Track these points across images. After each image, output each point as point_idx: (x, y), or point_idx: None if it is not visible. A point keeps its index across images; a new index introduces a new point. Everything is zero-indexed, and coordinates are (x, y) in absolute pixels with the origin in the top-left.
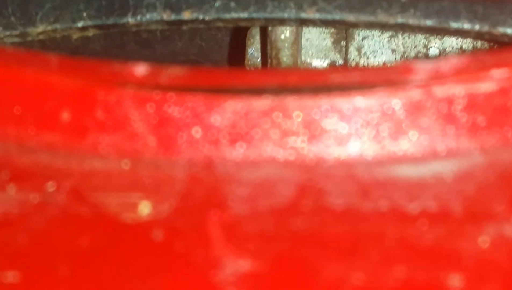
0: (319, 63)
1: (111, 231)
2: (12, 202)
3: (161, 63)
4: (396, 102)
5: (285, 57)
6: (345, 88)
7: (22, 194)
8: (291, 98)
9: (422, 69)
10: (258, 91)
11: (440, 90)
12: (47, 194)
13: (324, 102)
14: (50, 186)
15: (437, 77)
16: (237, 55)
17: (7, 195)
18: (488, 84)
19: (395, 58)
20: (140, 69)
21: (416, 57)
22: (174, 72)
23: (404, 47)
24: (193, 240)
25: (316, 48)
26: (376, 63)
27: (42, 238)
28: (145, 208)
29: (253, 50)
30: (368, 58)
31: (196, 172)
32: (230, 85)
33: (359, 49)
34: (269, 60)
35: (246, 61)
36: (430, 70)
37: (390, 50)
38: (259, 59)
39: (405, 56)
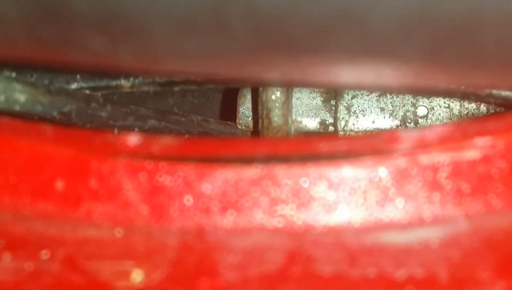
0: (310, 122)
1: None
2: (7, 270)
3: (154, 120)
4: (382, 170)
5: (276, 117)
6: (333, 157)
7: (17, 262)
8: (280, 167)
9: (408, 137)
10: (247, 160)
11: (426, 158)
12: (41, 262)
13: (312, 170)
14: (44, 254)
15: (422, 146)
16: (228, 112)
17: (2, 263)
18: (472, 152)
19: (384, 117)
20: (133, 139)
21: (404, 115)
22: (166, 142)
23: (392, 106)
24: None
25: (306, 107)
26: (365, 122)
27: None
28: (137, 276)
29: (244, 109)
30: (357, 116)
31: (188, 239)
32: (220, 155)
33: (348, 108)
34: (260, 120)
35: (237, 120)
36: (416, 138)
37: (379, 109)
38: (250, 118)
39: (394, 115)
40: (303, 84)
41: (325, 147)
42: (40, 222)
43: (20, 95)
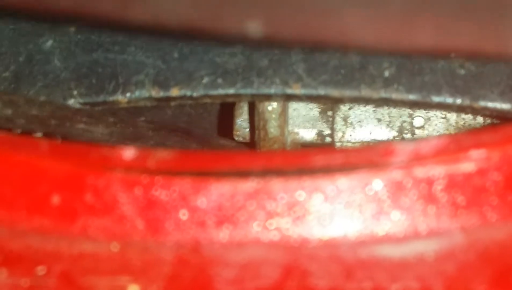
0: (307, 133)
1: None
2: (3, 287)
3: (152, 130)
4: (378, 183)
5: (273, 128)
6: (328, 170)
7: (13, 278)
8: (275, 180)
9: (403, 150)
10: (243, 174)
11: (421, 171)
12: (37, 278)
13: (308, 184)
14: (41, 270)
15: (418, 158)
16: (226, 123)
17: None
18: (467, 164)
19: (381, 128)
20: (128, 153)
21: (401, 126)
22: (161, 156)
23: (389, 116)
24: None
25: (303, 118)
26: (362, 133)
27: None
28: None
29: (242, 121)
30: (354, 127)
31: (184, 254)
32: (215, 168)
33: (345, 119)
34: (256, 131)
35: (234, 131)
36: (411, 151)
37: (376, 120)
38: (247, 130)
39: (391, 126)
40: (288, 38)
41: (321, 160)
42: (36, 237)
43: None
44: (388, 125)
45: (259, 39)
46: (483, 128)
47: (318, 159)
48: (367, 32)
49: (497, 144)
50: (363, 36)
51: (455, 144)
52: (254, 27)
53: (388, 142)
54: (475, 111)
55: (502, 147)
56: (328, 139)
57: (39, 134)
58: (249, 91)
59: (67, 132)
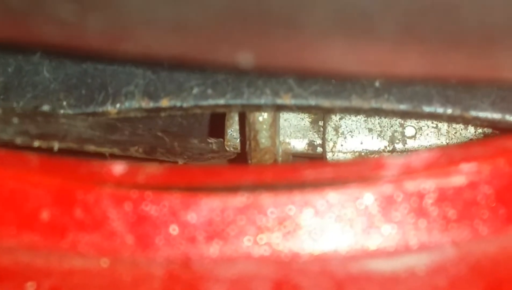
0: (298, 143)
1: None
2: None
3: (142, 140)
4: (368, 197)
5: (264, 138)
6: (318, 184)
7: None
8: (265, 195)
9: (393, 164)
10: (233, 189)
11: (411, 185)
12: None
13: (298, 198)
14: (30, 286)
15: (408, 172)
16: (217, 133)
17: None
18: (457, 178)
19: (372, 138)
20: (118, 168)
21: (392, 136)
22: (151, 171)
23: (380, 126)
24: None
25: (294, 128)
26: (353, 143)
27: None
28: None
29: (232, 131)
30: (345, 137)
31: (174, 269)
32: (205, 183)
33: (336, 129)
34: (247, 142)
35: (225, 142)
36: (401, 165)
37: (367, 130)
38: (238, 140)
39: (382, 136)
40: (277, 68)
41: (311, 174)
42: (26, 253)
43: None
44: (379, 135)
45: (250, 69)
46: (473, 141)
47: (308, 174)
48: (358, 62)
49: (487, 157)
50: (354, 66)
51: (446, 157)
52: (245, 59)
53: (378, 156)
54: (466, 121)
55: (492, 160)
56: (319, 149)
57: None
58: (239, 101)
59: (55, 130)
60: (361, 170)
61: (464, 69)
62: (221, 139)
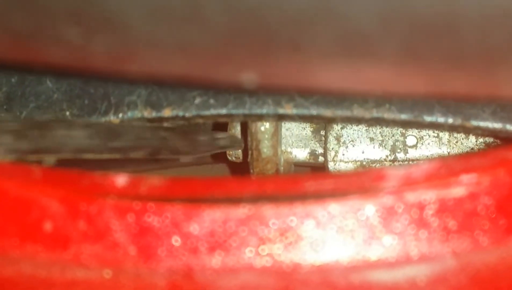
0: (300, 152)
1: None
2: None
3: (146, 144)
4: (369, 208)
5: (265, 148)
6: (319, 196)
7: None
8: (267, 206)
9: (394, 175)
10: (235, 200)
11: (412, 196)
12: None
13: (299, 210)
14: None
15: (409, 183)
16: None
17: None
18: (458, 189)
19: (374, 147)
20: (120, 180)
21: (394, 145)
22: (153, 183)
23: (382, 135)
24: None
25: (296, 138)
26: (355, 152)
27: None
28: None
29: None
30: (347, 147)
31: (176, 280)
32: (208, 195)
33: (338, 138)
34: (249, 152)
35: (227, 151)
36: (402, 176)
37: (368, 139)
38: (240, 149)
39: (383, 145)
40: (280, 87)
41: (312, 185)
42: (29, 264)
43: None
44: (380, 144)
45: (252, 88)
46: (473, 152)
47: (309, 185)
48: (359, 81)
49: (487, 168)
50: (355, 84)
51: (446, 168)
52: (248, 79)
53: (380, 165)
54: (467, 131)
55: (492, 171)
56: (321, 159)
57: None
58: (241, 111)
59: (51, 145)
60: (362, 181)
61: (464, 88)
62: (230, 134)
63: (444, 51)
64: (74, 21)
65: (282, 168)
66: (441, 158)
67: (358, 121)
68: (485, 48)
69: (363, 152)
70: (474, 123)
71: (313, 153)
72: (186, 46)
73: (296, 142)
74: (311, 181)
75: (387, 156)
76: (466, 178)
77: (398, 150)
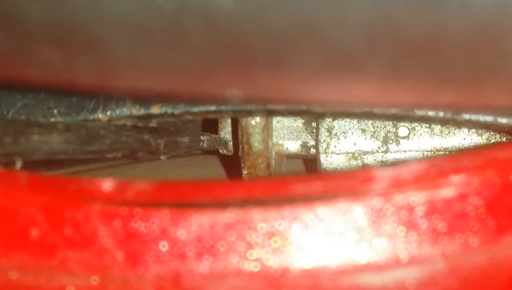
0: (291, 144)
1: None
2: None
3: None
4: (358, 211)
5: (256, 142)
6: (308, 199)
7: None
8: (255, 210)
9: (383, 177)
10: (222, 205)
11: (401, 198)
12: None
13: (287, 213)
14: None
15: (398, 185)
16: (211, 132)
17: None
18: (447, 190)
19: (365, 138)
20: (107, 185)
21: (385, 136)
22: (140, 188)
23: (373, 127)
24: None
25: (287, 130)
26: (347, 144)
27: None
28: None
29: (225, 134)
30: (339, 138)
31: (164, 286)
32: (195, 199)
33: (329, 130)
34: (240, 146)
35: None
36: (390, 177)
37: (360, 130)
38: (231, 142)
39: (375, 136)
40: (265, 102)
41: (300, 188)
42: (15, 271)
43: None
44: (372, 136)
45: (239, 101)
46: (462, 152)
47: (297, 188)
48: (345, 96)
49: (476, 169)
50: (341, 98)
51: (435, 169)
52: (232, 94)
53: (367, 169)
54: (458, 124)
55: (482, 171)
56: (313, 151)
57: None
58: (230, 107)
59: (24, 149)
60: (350, 184)
61: (450, 101)
62: (215, 135)
63: (429, 67)
64: (55, 43)
65: (273, 161)
66: (430, 158)
67: (348, 115)
68: (469, 64)
69: (355, 144)
70: (465, 116)
71: (304, 145)
72: (169, 65)
73: (287, 134)
74: (299, 184)
75: (379, 147)
76: (455, 179)
77: (390, 141)
